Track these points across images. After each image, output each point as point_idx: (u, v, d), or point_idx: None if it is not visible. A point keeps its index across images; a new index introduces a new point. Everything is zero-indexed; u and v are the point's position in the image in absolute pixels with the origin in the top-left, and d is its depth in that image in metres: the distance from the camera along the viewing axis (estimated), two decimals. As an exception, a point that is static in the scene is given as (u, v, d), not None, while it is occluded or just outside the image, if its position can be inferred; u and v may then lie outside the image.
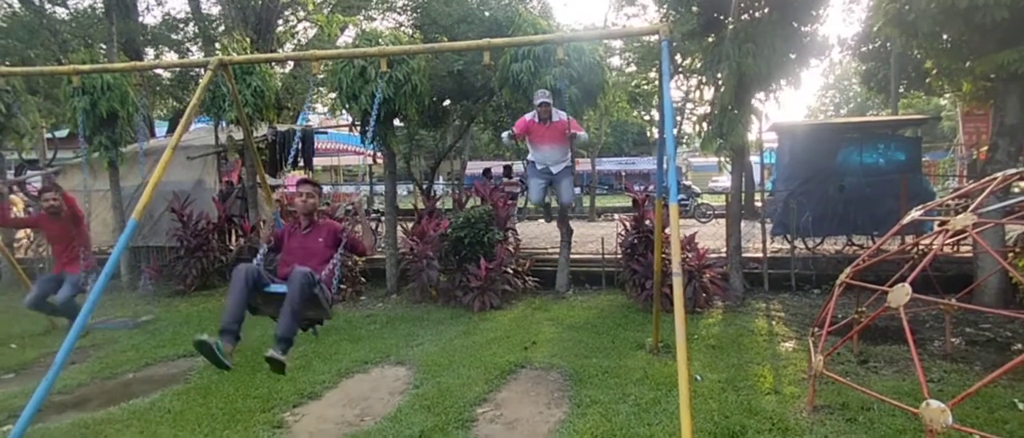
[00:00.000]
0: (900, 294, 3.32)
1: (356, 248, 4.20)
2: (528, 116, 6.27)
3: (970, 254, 6.98)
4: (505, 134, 6.20)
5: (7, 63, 11.96)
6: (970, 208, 3.67)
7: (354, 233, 4.23)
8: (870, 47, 12.22)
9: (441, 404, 4.17)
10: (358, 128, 7.95)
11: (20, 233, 11.89)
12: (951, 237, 3.85)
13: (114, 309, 7.52)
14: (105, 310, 7.07)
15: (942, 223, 4.07)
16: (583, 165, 28.50)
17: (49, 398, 3.44)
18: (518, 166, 15.06)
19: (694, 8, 7.38)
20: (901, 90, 12.62)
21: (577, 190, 24.05)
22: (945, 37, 6.19)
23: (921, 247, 5.03)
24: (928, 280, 5.14)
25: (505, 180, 13.26)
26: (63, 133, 14.83)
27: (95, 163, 9.69)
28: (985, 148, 12.05)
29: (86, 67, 5.25)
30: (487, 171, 14.00)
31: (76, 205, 5.91)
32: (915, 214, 4.40)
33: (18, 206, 12.20)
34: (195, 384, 4.77)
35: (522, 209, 14.09)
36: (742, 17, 6.71)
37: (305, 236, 4.04)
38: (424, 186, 12.44)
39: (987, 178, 4.15)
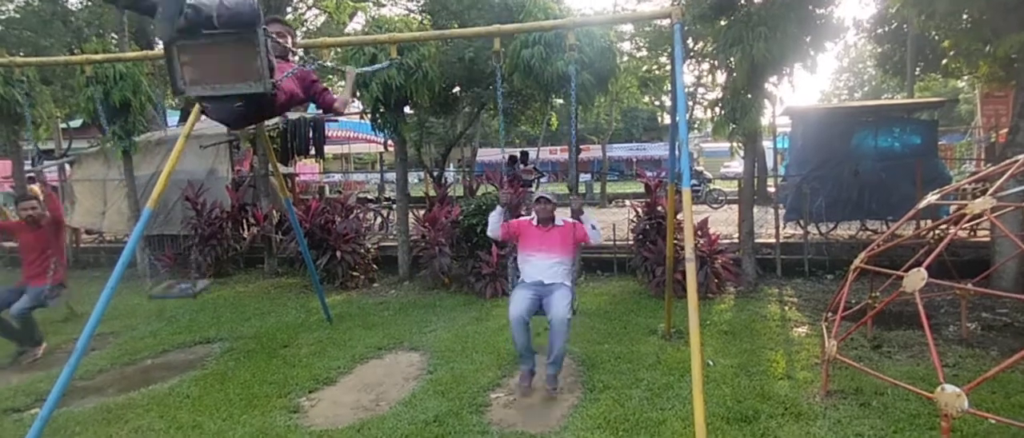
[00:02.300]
0: (915, 279, 3.29)
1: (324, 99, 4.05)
2: (526, 218, 4.59)
3: (987, 239, 6.89)
4: (489, 229, 4.40)
5: (22, 54, 12.07)
6: (989, 192, 3.61)
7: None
8: (886, 29, 11.98)
9: (455, 389, 4.21)
10: (368, 116, 7.96)
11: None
12: (968, 221, 3.80)
13: (130, 296, 7.63)
14: (122, 297, 7.17)
15: (959, 207, 4.02)
16: (594, 152, 28.46)
17: (72, 383, 3.51)
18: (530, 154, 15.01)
19: (706, -10, 7.28)
20: (917, 72, 12.40)
21: (586, 177, 24.01)
22: (964, 16, 6.08)
23: (937, 231, 4.97)
24: (944, 265, 5.09)
25: (521, 167, 13.20)
26: (77, 123, 14.99)
27: (109, 152, 9.80)
28: (1004, 131, 11.83)
29: (99, 56, 5.30)
30: (512, 159, 13.93)
31: (60, 212, 5.55)
32: (931, 198, 4.34)
33: (37, 195, 12.37)
34: (212, 370, 4.85)
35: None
36: (755, -1, 6.61)
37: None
38: (435, 174, 12.46)
39: (1007, 161, 4.08)
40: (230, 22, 2.83)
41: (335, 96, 4.07)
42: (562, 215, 4.50)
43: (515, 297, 4.17)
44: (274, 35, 3.42)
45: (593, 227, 4.30)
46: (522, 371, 4.22)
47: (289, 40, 3.88)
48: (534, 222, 4.41)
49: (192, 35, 2.83)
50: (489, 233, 4.44)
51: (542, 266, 4.27)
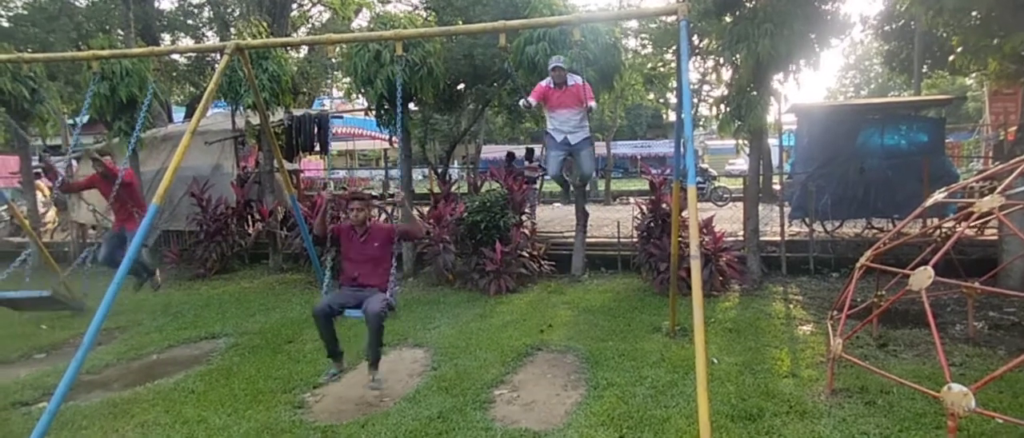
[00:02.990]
0: (922, 277, 3.27)
1: (412, 235, 4.83)
2: (544, 82, 6.12)
3: (995, 237, 6.84)
4: (522, 100, 5.85)
5: (29, 50, 12.13)
6: (998, 190, 3.58)
7: (403, 225, 4.76)
8: (893, 26, 11.89)
9: (459, 386, 4.22)
10: (373, 112, 7.96)
11: (46, 217, 12.16)
12: (976, 220, 3.77)
13: (136, 292, 7.67)
14: (128, 293, 7.21)
15: (966, 205, 3.99)
16: (598, 149, 28.38)
17: (78, 377, 3.53)
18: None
19: (712, -13, 7.24)
20: (924, 69, 12.31)
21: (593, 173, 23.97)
22: (973, 13, 6.03)
23: (944, 230, 4.94)
24: (951, 263, 5.05)
25: (527, 163, 13.17)
26: (84, 119, 15.05)
27: (115, 148, 9.83)
28: (1013, 129, 11.74)
29: (105, 52, 5.32)
30: (510, 155, 13.90)
31: (119, 172, 6.05)
32: (938, 197, 4.31)
33: (44, 191, 12.46)
34: (217, 366, 4.87)
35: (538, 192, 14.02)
36: (761, -4, 6.57)
37: (363, 243, 4.35)
38: (439, 170, 12.45)
39: (1016, 159, 4.04)
40: None
41: None
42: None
43: (551, 158, 6.35)
44: None
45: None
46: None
47: None
48: (552, 85, 6.00)
49: None
50: (523, 100, 5.64)
51: (565, 117, 6.13)
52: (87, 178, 6.65)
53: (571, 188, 7.34)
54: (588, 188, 20.56)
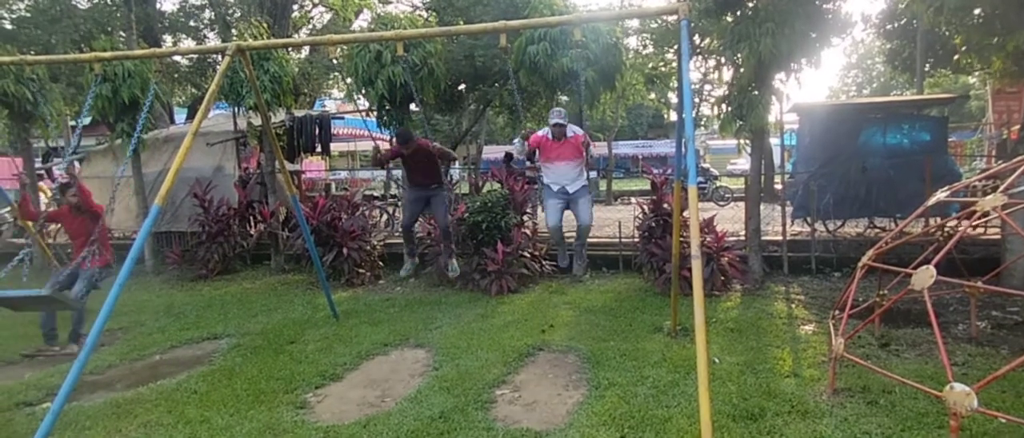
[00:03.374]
0: (924, 276, 3.27)
1: (446, 156, 5.79)
2: (541, 132, 5.62)
3: (998, 236, 6.82)
4: (517, 140, 5.52)
5: (31, 52, 12.16)
6: (1000, 189, 3.58)
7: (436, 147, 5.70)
8: (895, 25, 11.88)
9: (460, 386, 4.22)
10: (374, 113, 7.97)
11: (51, 218, 12.17)
12: (978, 218, 3.76)
13: (139, 292, 7.70)
14: (132, 293, 7.24)
15: (968, 205, 3.98)
16: (600, 149, 28.38)
17: (82, 378, 3.55)
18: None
19: (713, -14, 7.23)
20: (927, 68, 12.29)
21: (593, 174, 23.93)
22: (975, 11, 6.01)
23: (946, 229, 4.93)
24: (953, 262, 5.04)
25: (528, 164, 13.16)
26: (86, 120, 15.09)
27: (118, 149, 9.86)
28: (1016, 127, 11.71)
29: (108, 54, 5.33)
30: (508, 155, 13.89)
31: (91, 201, 5.80)
32: (940, 196, 4.30)
33: (46, 193, 12.49)
34: (220, 366, 4.88)
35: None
36: (763, -5, 6.56)
37: (414, 157, 5.49)
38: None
39: (1019, 158, 4.03)
40: None
41: None
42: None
43: (549, 208, 5.71)
44: None
45: None
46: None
47: None
48: (549, 137, 5.41)
49: None
50: (519, 139, 5.49)
51: (562, 169, 5.53)
52: (55, 211, 6.06)
53: (568, 254, 6.05)
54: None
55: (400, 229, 5.98)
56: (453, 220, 7.50)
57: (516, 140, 5.51)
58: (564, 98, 9.58)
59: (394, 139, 6.07)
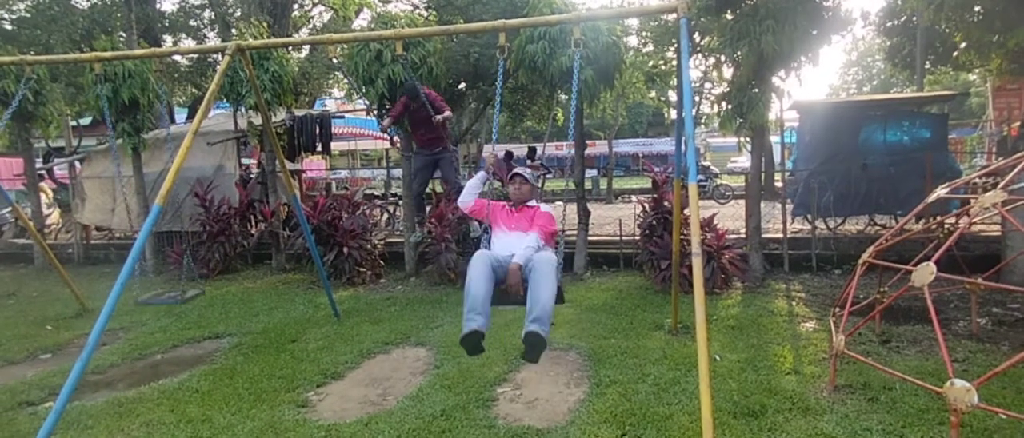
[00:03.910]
0: (924, 273, 3.27)
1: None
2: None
3: (998, 233, 6.83)
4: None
5: (32, 53, 12.17)
6: (1000, 185, 3.58)
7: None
8: (895, 22, 11.87)
9: (462, 384, 4.23)
10: (375, 112, 7.97)
11: (50, 219, 12.20)
12: (978, 214, 3.77)
13: (140, 292, 7.70)
14: (132, 293, 7.24)
15: (967, 201, 3.99)
16: (600, 147, 28.38)
17: (84, 377, 3.56)
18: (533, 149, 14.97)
19: (713, -16, 7.23)
20: (927, 66, 12.28)
21: (593, 172, 23.90)
22: (975, 8, 6.01)
23: (947, 226, 4.93)
24: (954, 259, 5.05)
25: (529, 162, 13.15)
26: (86, 120, 15.10)
27: (119, 149, 9.85)
28: (1017, 124, 11.71)
29: (108, 54, 5.33)
30: (509, 154, 13.87)
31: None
32: (940, 192, 4.31)
33: (47, 193, 12.50)
34: (221, 365, 4.89)
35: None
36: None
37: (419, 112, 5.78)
38: (441, 170, 12.46)
39: (1019, 154, 4.04)
40: None
41: None
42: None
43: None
44: None
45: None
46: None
47: None
48: (507, 206, 4.09)
49: None
50: (461, 201, 4.05)
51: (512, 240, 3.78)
52: None
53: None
54: (589, 186, 20.58)
55: (400, 228, 5.96)
56: (454, 218, 7.51)
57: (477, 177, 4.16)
58: (564, 97, 9.57)
59: (402, 96, 6.22)
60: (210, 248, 8.74)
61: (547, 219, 3.84)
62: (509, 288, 3.45)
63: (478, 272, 3.41)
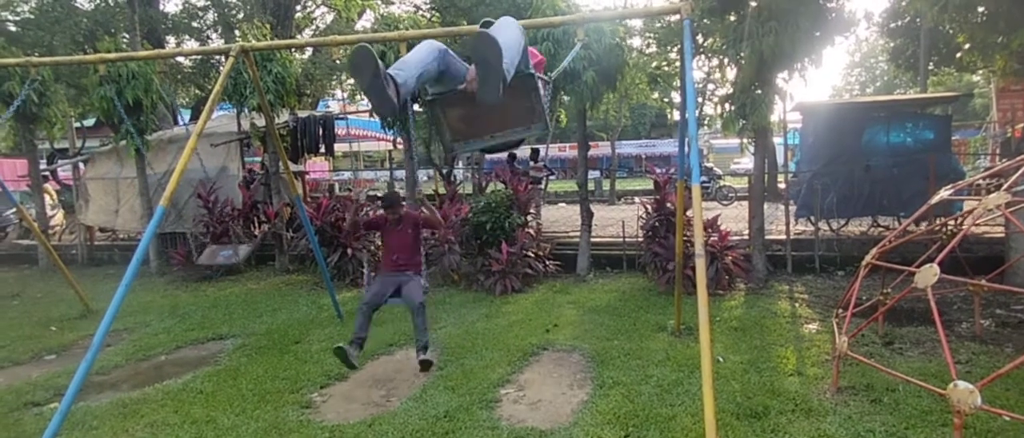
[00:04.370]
0: (928, 274, 3.27)
1: (431, 224, 4.95)
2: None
3: (1002, 234, 6.81)
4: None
5: (36, 54, 12.23)
6: (1004, 186, 3.57)
7: (426, 214, 4.96)
8: (899, 23, 11.87)
9: (465, 385, 4.24)
10: (378, 113, 7.98)
11: (54, 220, 12.25)
12: (982, 216, 3.76)
13: (144, 294, 7.73)
14: (136, 294, 7.27)
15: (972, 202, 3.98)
16: (603, 149, 28.38)
17: (88, 378, 3.57)
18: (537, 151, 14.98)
19: (716, -14, 7.24)
20: (931, 67, 12.26)
21: (595, 174, 23.85)
22: (979, 9, 6.00)
23: (950, 227, 4.92)
24: (957, 261, 5.04)
25: (532, 164, 13.15)
26: (90, 122, 15.16)
27: (122, 151, 9.90)
28: (1021, 125, 11.67)
29: (112, 55, 5.35)
30: (512, 156, 13.87)
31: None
32: (944, 194, 4.30)
33: (51, 194, 12.56)
34: (225, 366, 4.91)
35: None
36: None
37: (398, 231, 4.83)
38: (444, 171, 12.48)
39: (1023, 156, 4.03)
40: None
41: None
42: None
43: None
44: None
45: None
46: None
47: None
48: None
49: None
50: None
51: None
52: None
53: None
54: (592, 188, 20.56)
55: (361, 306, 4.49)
56: (457, 220, 7.53)
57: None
58: (567, 98, 9.58)
59: (380, 204, 5.01)
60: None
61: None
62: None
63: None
